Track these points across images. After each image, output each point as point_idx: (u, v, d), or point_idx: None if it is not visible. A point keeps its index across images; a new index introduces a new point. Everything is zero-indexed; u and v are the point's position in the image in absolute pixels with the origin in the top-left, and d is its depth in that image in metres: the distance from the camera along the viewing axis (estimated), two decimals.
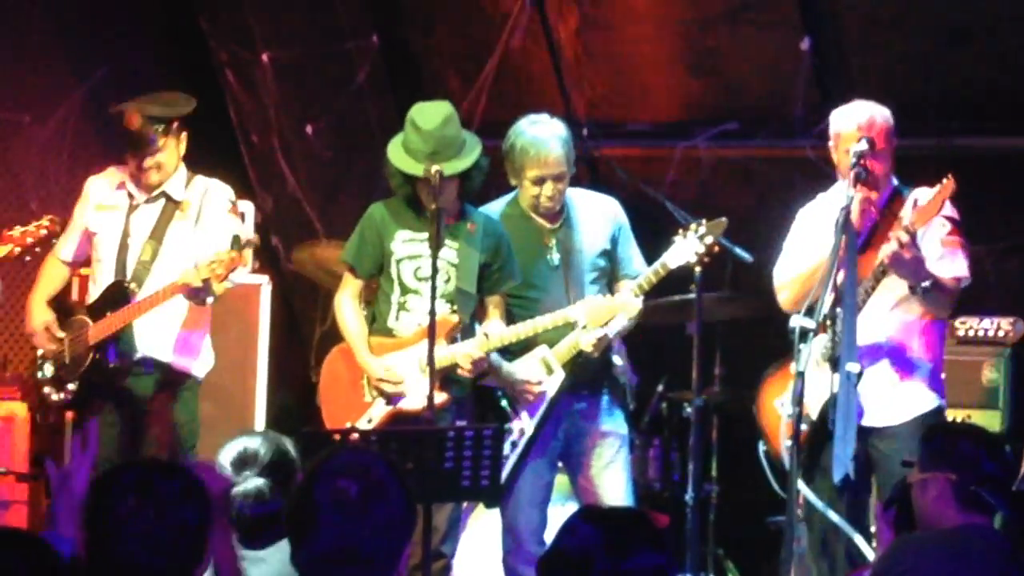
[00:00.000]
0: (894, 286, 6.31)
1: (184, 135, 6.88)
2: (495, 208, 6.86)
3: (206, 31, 9.27)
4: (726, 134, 8.51)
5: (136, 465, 4.00)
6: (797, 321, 6.01)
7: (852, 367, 5.96)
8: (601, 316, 6.57)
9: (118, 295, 6.75)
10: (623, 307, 6.60)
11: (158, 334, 6.79)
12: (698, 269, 6.90)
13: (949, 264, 6.34)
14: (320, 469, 3.64)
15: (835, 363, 6.09)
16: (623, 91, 8.83)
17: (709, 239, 6.62)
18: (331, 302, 6.87)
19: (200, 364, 6.94)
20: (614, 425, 6.80)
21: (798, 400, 5.90)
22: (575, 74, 8.81)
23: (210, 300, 6.67)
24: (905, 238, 6.09)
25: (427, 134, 6.41)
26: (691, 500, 7.41)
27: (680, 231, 6.66)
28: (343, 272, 6.79)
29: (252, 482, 5.21)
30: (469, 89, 8.77)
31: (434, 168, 6.33)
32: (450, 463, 5.69)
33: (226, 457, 5.33)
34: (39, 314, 6.90)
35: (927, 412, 6.38)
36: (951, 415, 6.89)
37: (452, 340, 6.52)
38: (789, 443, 6.13)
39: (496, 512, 6.82)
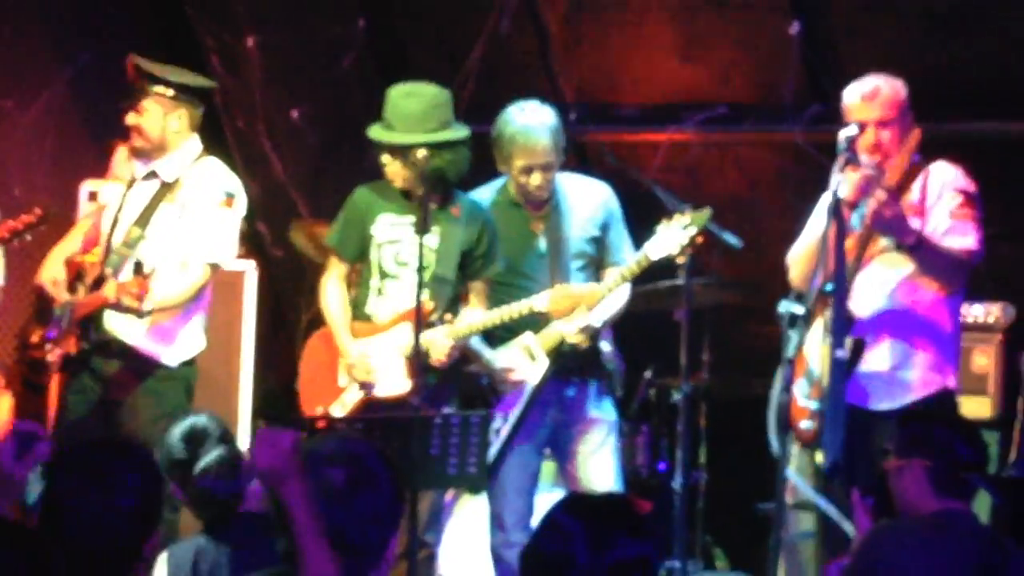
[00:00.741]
0: (899, 261, 6.26)
1: (184, 113, 6.71)
2: (483, 195, 6.83)
3: (191, 16, 9.23)
4: (715, 119, 8.50)
5: (84, 446, 4.05)
6: (786, 307, 5.98)
7: (842, 353, 5.93)
8: (563, 304, 6.53)
9: (98, 277, 6.63)
10: (589, 297, 6.55)
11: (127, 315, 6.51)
12: (681, 259, 6.88)
13: (958, 236, 6.26)
14: (308, 457, 3.61)
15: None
16: (611, 76, 8.82)
17: (693, 230, 6.52)
18: (317, 288, 6.84)
19: (173, 352, 6.69)
20: (602, 412, 6.78)
21: (787, 387, 5.87)
22: (563, 59, 8.80)
23: (146, 307, 6.34)
24: (883, 196, 6.06)
25: (394, 105, 6.45)
26: (679, 487, 7.39)
27: (664, 220, 6.58)
28: None
29: (212, 453, 5.20)
30: (456, 74, 8.74)
31: (422, 153, 6.30)
32: (436, 450, 5.67)
33: (176, 436, 5.32)
34: (52, 269, 6.72)
35: (931, 395, 6.32)
36: None
37: (428, 327, 6.48)
38: (808, 424, 6.13)
39: (482, 499, 6.80)
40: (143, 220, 6.68)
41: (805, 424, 6.24)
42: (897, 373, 6.30)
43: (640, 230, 6.75)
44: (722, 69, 8.51)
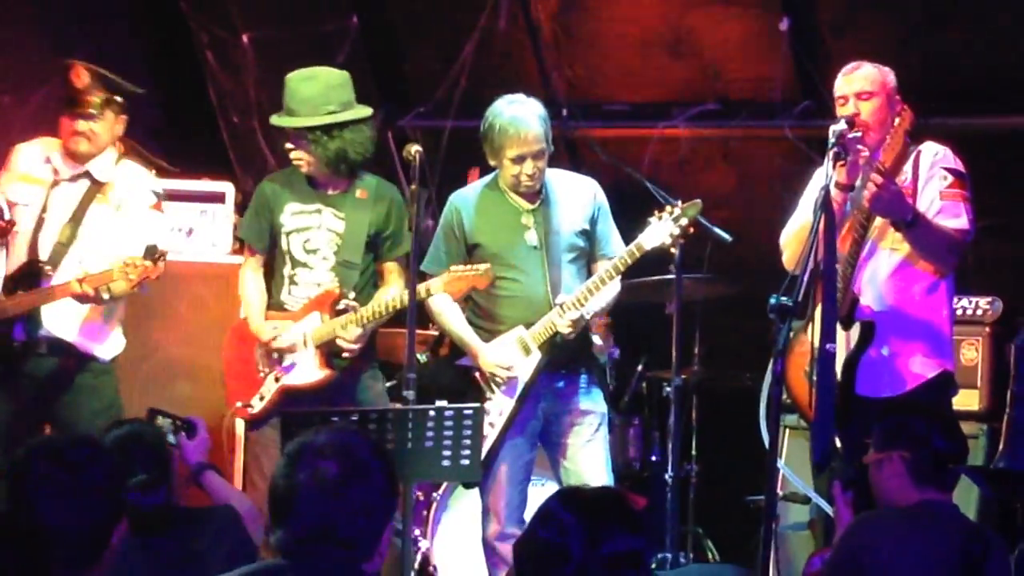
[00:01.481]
0: (895, 245, 6.28)
1: (124, 119, 6.83)
2: (473, 190, 6.87)
3: (186, 12, 9.25)
4: (705, 115, 8.52)
5: (44, 439, 4.21)
6: (777, 301, 5.99)
7: (831, 347, 5.95)
8: (456, 287, 6.57)
9: (32, 275, 6.67)
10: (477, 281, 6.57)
11: (64, 313, 6.67)
12: (674, 250, 6.94)
13: (950, 218, 6.25)
14: (301, 449, 3.63)
15: (845, 322, 6.12)
16: (603, 72, 8.83)
17: (684, 221, 6.61)
18: None
19: (106, 348, 6.84)
20: (593, 404, 6.80)
21: (778, 380, 5.89)
22: (555, 55, 8.81)
23: (106, 296, 6.52)
24: (879, 179, 6.07)
25: (292, 91, 6.69)
26: (671, 479, 7.43)
27: (656, 212, 6.66)
28: None
29: (139, 476, 5.16)
30: (449, 70, 8.76)
31: (414, 148, 6.36)
32: (430, 442, 5.70)
33: (107, 441, 5.29)
34: None
35: (930, 380, 6.32)
36: None
37: (336, 313, 6.61)
38: None
39: (476, 492, 6.83)
40: (76, 218, 6.75)
41: None
42: (897, 360, 6.30)
43: (631, 225, 6.78)
44: (713, 65, 8.53)
